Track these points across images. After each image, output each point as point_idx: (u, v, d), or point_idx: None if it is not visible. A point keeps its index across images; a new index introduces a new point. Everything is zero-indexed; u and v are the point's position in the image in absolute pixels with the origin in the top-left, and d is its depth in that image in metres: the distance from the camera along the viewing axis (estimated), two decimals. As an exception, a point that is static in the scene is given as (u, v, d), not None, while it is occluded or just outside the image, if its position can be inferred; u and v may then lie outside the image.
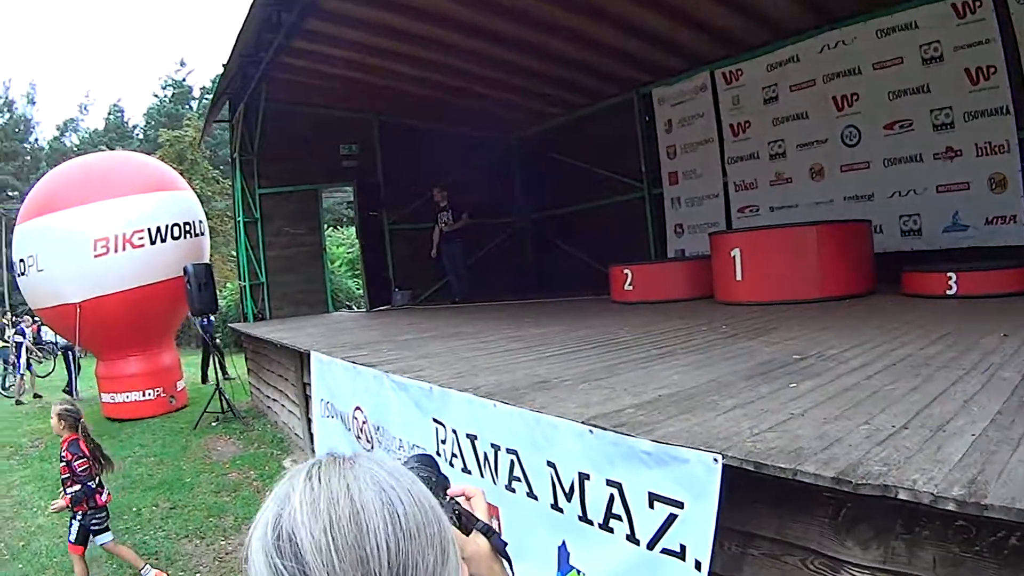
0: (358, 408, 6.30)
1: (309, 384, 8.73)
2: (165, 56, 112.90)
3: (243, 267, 15.33)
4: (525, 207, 16.84)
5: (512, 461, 3.72)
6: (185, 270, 13.14)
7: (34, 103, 57.06)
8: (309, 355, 7.84)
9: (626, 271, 10.64)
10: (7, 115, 53.70)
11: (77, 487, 6.56)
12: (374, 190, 15.82)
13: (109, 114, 56.59)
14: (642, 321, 7.74)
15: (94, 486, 6.63)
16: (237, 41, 11.26)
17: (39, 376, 21.04)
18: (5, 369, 20.90)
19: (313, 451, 8.09)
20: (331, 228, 28.30)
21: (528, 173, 16.76)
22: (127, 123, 56.47)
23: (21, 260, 14.04)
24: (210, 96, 15.64)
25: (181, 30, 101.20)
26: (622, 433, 2.92)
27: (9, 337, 21.20)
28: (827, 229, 8.73)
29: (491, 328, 8.55)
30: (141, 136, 52.63)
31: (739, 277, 8.75)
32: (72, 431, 6.72)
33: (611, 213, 14.69)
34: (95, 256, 13.18)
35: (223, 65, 12.28)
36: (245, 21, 10.56)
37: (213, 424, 13.01)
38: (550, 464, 3.40)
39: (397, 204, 15.94)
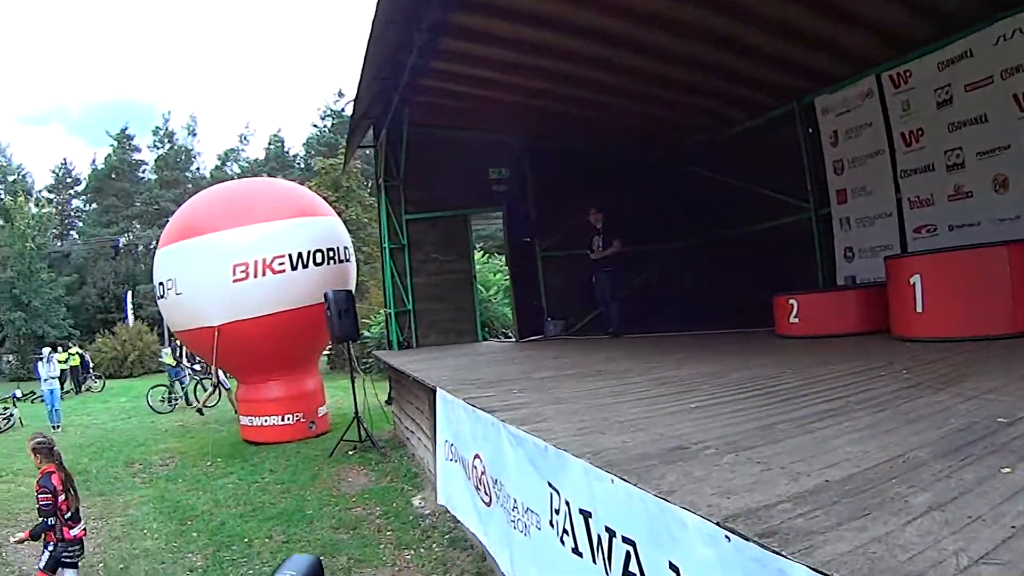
0: (477, 456, 5.72)
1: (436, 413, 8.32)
2: (324, 86, 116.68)
3: (389, 294, 15.19)
4: (682, 231, 15.85)
5: (628, 553, 3.01)
6: (325, 296, 13.08)
7: (195, 134, 59.75)
8: (435, 392, 7.32)
9: (791, 301, 9.64)
10: (168, 145, 56.70)
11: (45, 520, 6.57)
12: (524, 215, 15.33)
13: (270, 144, 59.45)
14: (808, 361, 6.84)
15: (52, 522, 6.57)
16: (365, 62, 10.82)
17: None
18: (174, 385, 22.06)
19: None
20: (489, 255, 28.14)
21: (685, 195, 15.69)
22: (287, 152, 58.73)
23: (161, 283, 14.42)
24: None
25: (340, 60, 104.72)
26: (770, 550, 2.15)
27: (179, 356, 22.34)
28: (1020, 249, 7.43)
29: (638, 366, 7.80)
30: (302, 165, 54.48)
31: (919, 308, 7.62)
32: (48, 462, 6.73)
33: (776, 236, 13.55)
34: (234, 281, 13.36)
35: (357, 88, 11.97)
36: (370, 40, 10.09)
37: (350, 453, 12.85)
38: (673, 568, 2.66)
39: (549, 229, 15.33)
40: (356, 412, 13.35)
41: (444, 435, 7.00)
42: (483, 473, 5.57)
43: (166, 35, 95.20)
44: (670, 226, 15.66)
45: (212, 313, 13.44)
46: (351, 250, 15.80)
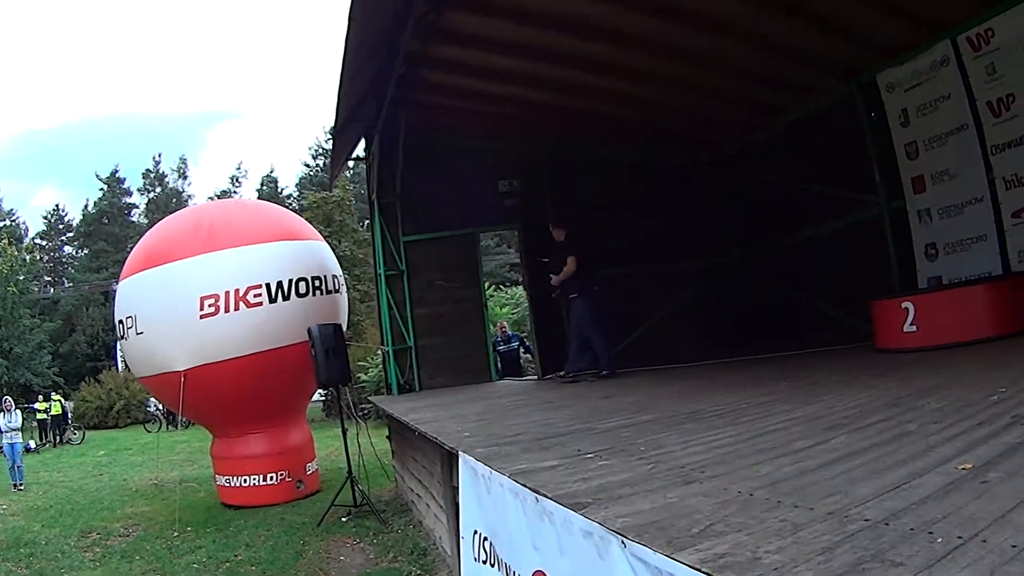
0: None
1: (457, 487, 5.81)
2: (316, 123, 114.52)
3: (386, 329, 12.56)
4: (726, 244, 13.43)
5: None
6: (309, 332, 10.56)
7: (186, 177, 58.66)
8: (457, 457, 4.75)
9: (905, 305, 7.68)
10: (158, 189, 54.95)
11: None
12: (544, 232, 12.65)
13: (262, 185, 57.97)
14: (998, 379, 4.61)
15: None
16: (347, 44, 8.20)
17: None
18: None
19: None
20: (493, 288, 25.84)
21: (728, 202, 13.33)
22: (281, 193, 56.87)
23: (120, 322, 11.95)
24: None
25: (330, 94, 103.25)
26: None
27: None
28: None
29: (742, 399, 5.54)
30: (296, 206, 52.58)
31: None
32: None
33: (840, 239, 11.18)
34: (201, 316, 10.94)
35: (339, 80, 9.41)
36: (352, 12, 7.52)
37: (343, 520, 10.33)
38: None
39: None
40: (349, 472, 10.71)
41: (472, 523, 4.45)
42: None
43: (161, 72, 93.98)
44: (711, 239, 13.36)
45: (177, 355, 10.93)
46: (341, 279, 13.24)
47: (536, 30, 9.22)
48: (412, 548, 8.61)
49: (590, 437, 4.58)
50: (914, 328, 7.54)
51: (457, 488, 6.11)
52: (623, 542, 2.30)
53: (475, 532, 4.34)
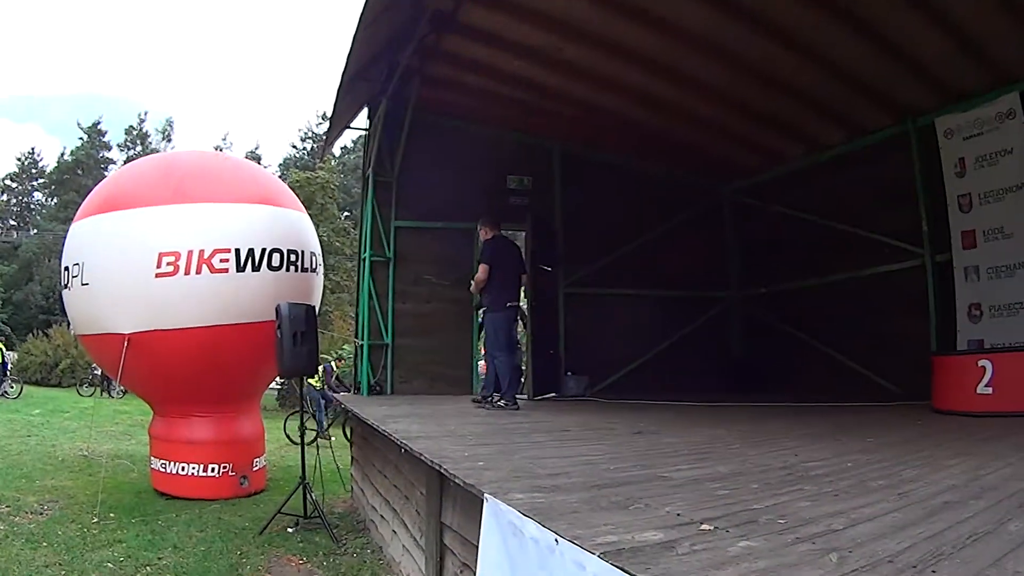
0: None
1: (450, 527, 4.39)
2: (307, 106, 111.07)
3: (363, 320, 11.09)
4: (743, 278, 12.24)
5: None
6: (277, 310, 8.90)
7: (170, 140, 56.78)
8: (482, 500, 3.24)
9: (982, 363, 6.87)
10: (139, 147, 53.09)
11: None
12: (549, 238, 11.26)
13: (245, 158, 55.81)
14: None
15: None
16: None
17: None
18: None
19: None
20: (478, 299, 24.52)
21: (749, 233, 12.19)
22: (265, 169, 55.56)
23: (66, 268, 10.28)
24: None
25: (325, 80, 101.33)
26: None
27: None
28: None
29: (835, 454, 4.36)
30: (278, 185, 51.54)
31: None
32: None
33: (870, 288, 10.05)
34: (157, 275, 9.28)
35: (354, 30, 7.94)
36: None
37: (289, 531, 8.66)
38: None
39: (577, 259, 11.48)
40: (303, 477, 9.02)
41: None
42: None
43: (152, 38, 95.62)
44: (728, 271, 12.35)
45: (123, 316, 9.32)
46: (320, 258, 11.60)
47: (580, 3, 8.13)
48: (370, 577, 7.11)
49: (672, 493, 3.18)
50: (989, 390, 6.75)
51: (447, 526, 4.70)
52: None
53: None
